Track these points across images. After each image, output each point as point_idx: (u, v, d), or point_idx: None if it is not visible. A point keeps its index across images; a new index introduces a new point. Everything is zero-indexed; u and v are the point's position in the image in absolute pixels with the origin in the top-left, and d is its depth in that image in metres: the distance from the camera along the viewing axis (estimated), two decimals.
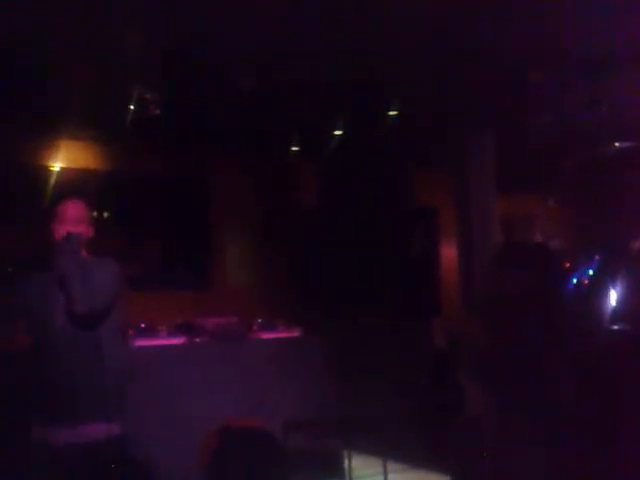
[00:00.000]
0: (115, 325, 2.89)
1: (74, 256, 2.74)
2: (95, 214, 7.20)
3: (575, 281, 3.38)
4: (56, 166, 6.91)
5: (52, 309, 2.72)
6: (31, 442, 2.70)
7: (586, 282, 3.35)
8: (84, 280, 2.68)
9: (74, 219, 2.87)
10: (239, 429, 1.86)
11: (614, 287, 3.24)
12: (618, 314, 3.21)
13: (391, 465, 4.68)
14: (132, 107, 5.72)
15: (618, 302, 3.20)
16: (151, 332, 4.50)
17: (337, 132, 6.85)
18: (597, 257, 3.33)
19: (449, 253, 8.45)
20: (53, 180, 6.86)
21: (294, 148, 7.38)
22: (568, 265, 3.58)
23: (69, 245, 2.75)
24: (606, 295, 3.25)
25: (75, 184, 6.98)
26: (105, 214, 7.32)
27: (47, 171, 6.86)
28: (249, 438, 1.77)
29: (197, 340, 4.78)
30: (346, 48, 4.86)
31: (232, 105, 5.93)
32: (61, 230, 2.81)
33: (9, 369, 3.33)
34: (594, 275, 3.33)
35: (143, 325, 4.50)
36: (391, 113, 6.22)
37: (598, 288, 3.29)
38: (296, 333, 5.40)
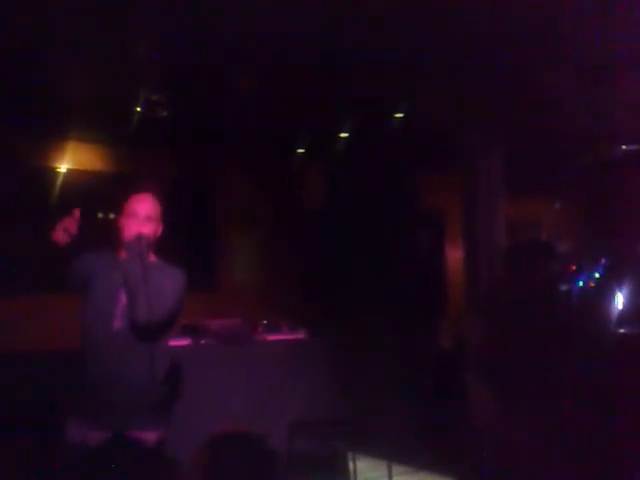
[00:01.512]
0: (169, 333, 2.75)
1: (142, 260, 2.58)
2: (102, 215, 7.32)
3: (581, 284, 3.38)
4: (63, 168, 6.93)
5: (111, 310, 2.61)
6: (70, 444, 2.61)
7: (592, 285, 3.34)
8: (150, 286, 2.53)
9: (146, 216, 2.72)
10: (230, 437, 1.85)
11: (620, 290, 3.23)
12: (624, 317, 3.20)
13: (396, 468, 4.67)
14: (139, 109, 5.74)
15: (624, 305, 3.19)
16: None
17: (343, 134, 6.85)
18: (603, 260, 3.32)
19: (455, 255, 8.44)
20: (60, 182, 6.88)
21: (300, 150, 7.38)
22: (574, 268, 3.57)
23: (138, 247, 2.61)
24: (612, 298, 3.25)
25: (81, 186, 7.00)
26: (111, 215, 7.34)
27: (54, 173, 6.87)
28: (240, 445, 1.76)
29: (202, 342, 4.78)
30: (353, 51, 4.86)
31: (238, 107, 5.94)
32: (131, 227, 2.67)
33: (54, 368, 3.31)
34: (600, 278, 3.32)
35: None
36: (398, 115, 6.22)
37: (604, 291, 3.28)
38: (301, 335, 5.39)
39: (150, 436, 2.61)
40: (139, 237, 2.63)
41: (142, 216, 2.71)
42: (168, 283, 2.68)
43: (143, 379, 2.55)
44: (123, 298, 2.61)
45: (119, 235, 2.72)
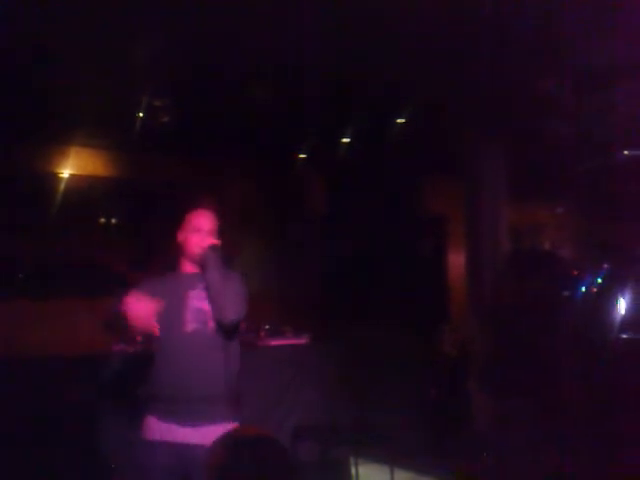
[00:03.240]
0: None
1: (220, 267, 2.83)
2: (104, 220, 7.33)
3: (584, 289, 3.37)
4: (65, 173, 6.95)
5: (183, 315, 2.80)
6: (150, 440, 2.73)
7: (595, 290, 3.34)
8: (228, 290, 2.80)
9: (210, 230, 2.95)
10: (245, 437, 1.86)
11: (623, 295, 3.23)
12: (627, 322, 3.20)
13: (398, 473, 4.66)
14: (141, 114, 5.76)
15: (627, 310, 3.19)
16: None
17: (345, 139, 6.86)
18: (606, 265, 3.32)
19: (458, 261, 8.43)
20: (62, 187, 6.90)
21: (301, 155, 7.39)
22: (577, 273, 3.57)
23: (215, 256, 2.84)
24: (615, 303, 3.24)
25: (84, 191, 7.03)
26: (114, 220, 7.36)
27: (56, 178, 6.89)
28: (255, 446, 1.76)
29: None
30: (356, 56, 4.87)
31: (240, 112, 5.95)
32: (199, 240, 2.89)
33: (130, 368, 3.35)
34: (603, 283, 3.32)
35: None
36: (399, 121, 6.23)
37: (607, 296, 3.28)
38: (304, 340, 5.39)
39: (228, 428, 2.72)
40: (214, 247, 2.87)
41: (206, 230, 2.94)
42: (237, 286, 2.91)
43: (220, 376, 2.76)
44: (194, 303, 2.83)
45: (182, 249, 2.97)
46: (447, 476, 4.96)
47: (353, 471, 4.68)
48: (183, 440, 2.69)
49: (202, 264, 2.87)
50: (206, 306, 2.82)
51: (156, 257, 7.38)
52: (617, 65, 4.96)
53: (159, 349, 2.83)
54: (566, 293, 3.50)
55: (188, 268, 2.96)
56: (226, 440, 1.91)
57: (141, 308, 2.65)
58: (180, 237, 2.99)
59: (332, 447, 4.72)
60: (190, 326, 2.79)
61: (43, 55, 4.71)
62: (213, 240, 2.90)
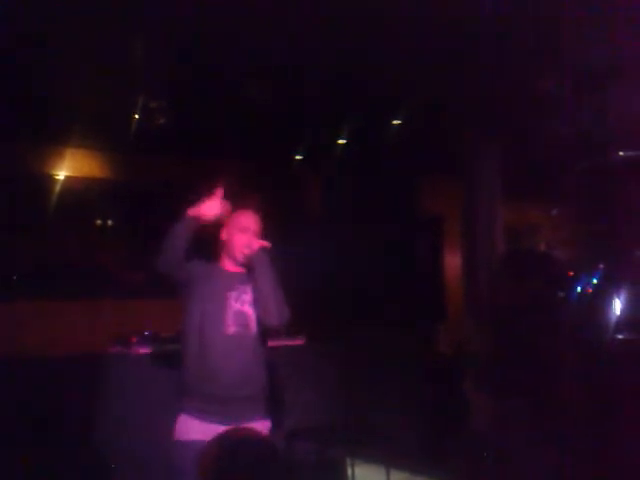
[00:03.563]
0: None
1: (269, 270, 2.87)
2: (100, 222, 7.32)
3: (579, 290, 3.38)
4: (61, 174, 6.94)
5: (223, 316, 2.82)
6: (186, 439, 2.76)
7: (590, 291, 3.34)
8: (276, 293, 2.86)
9: (255, 230, 2.98)
10: (239, 437, 1.86)
11: (618, 296, 3.24)
12: (622, 323, 3.21)
13: (394, 474, 4.66)
14: (137, 116, 5.75)
15: (622, 311, 3.20)
16: (154, 339, 4.49)
17: (341, 140, 6.86)
18: (601, 266, 3.33)
19: (454, 261, 8.44)
20: (58, 188, 6.89)
21: (298, 156, 7.39)
22: (573, 274, 3.58)
23: (265, 258, 2.88)
24: (610, 304, 3.25)
25: (80, 192, 7.02)
26: (110, 222, 7.35)
27: (52, 180, 6.88)
28: (250, 445, 1.77)
29: None
30: (352, 56, 4.87)
31: (237, 113, 5.95)
32: (244, 241, 2.91)
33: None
34: (598, 284, 3.32)
35: (147, 332, 4.50)
36: (396, 122, 6.24)
37: (602, 297, 3.29)
38: (300, 341, 5.38)
39: (265, 425, 2.87)
40: (264, 250, 2.90)
41: (253, 230, 2.97)
42: (281, 289, 2.96)
43: (256, 376, 2.84)
44: (234, 305, 2.85)
45: (224, 248, 2.99)
46: (443, 476, 4.97)
47: (349, 471, 4.69)
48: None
49: (251, 266, 2.88)
50: (247, 309, 2.86)
51: (152, 258, 7.41)
52: (615, 65, 4.97)
53: (196, 349, 2.82)
54: (562, 294, 3.50)
55: (229, 267, 2.97)
56: (221, 440, 1.91)
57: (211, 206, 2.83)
58: (224, 235, 3.00)
59: (328, 447, 4.72)
60: (230, 329, 2.81)
61: (40, 56, 4.71)
62: (262, 242, 2.91)
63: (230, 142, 6.89)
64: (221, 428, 2.61)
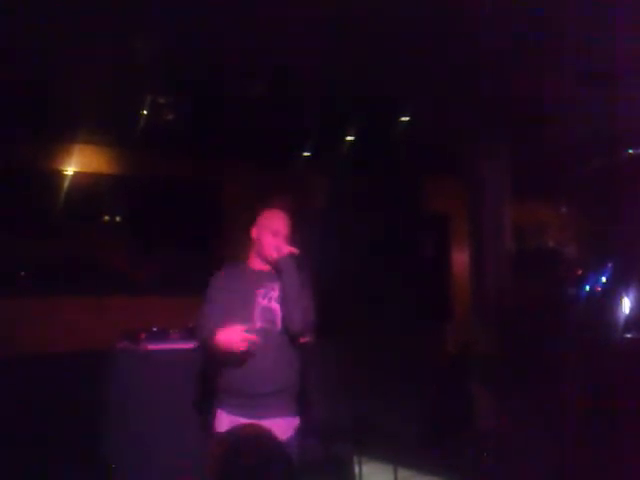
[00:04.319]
0: None
1: (296, 276, 2.91)
2: (108, 218, 7.33)
3: (588, 288, 3.37)
4: (70, 170, 6.95)
5: (251, 313, 2.87)
6: (216, 434, 2.80)
7: (599, 289, 3.33)
8: (301, 299, 2.90)
9: (286, 233, 3.02)
10: (247, 434, 1.86)
11: (627, 295, 3.22)
12: (631, 321, 3.19)
13: (402, 472, 4.66)
14: (145, 112, 5.76)
15: (631, 309, 3.19)
16: (163, 336, 4.50)
17: (348, 138, 6.85)
18: (610, 264, 3.31)
19: (461, 259, 8.43)
20: (66, 184, 6.90)
21: (306, 153, 7.39)
22: (581, 272, 3.57)
23: (293, 262, 2.93)
24: (619, 302, 3.24)
25: (88, 188, 7.03)
26: (117, 218, 7.36)
27: (60, 175, 6.90)
28: (257, 443, 1.77)
29: None
30: (359, 56, 4.87)
31: (244, 109, 5.95)
32: (273, 242, 2.96)
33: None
34: (607, 282, 3.31)
35: (155, 329, 4.50)
36: (403, 119, 6.23)
37: (611, 295, 3.28)
38: (306, 339, 5.38)
39: (293, 422, 2.93)
40: (292, 255, 2.93)
41: (284, 233, 3.01)
42: (308, 294, 2.98)
43: (286, 372, 2.90)
44: (262, 302, 2.89)
45: (254, 246, 3.05)
46: (449, 474, 4.96)
47: (357, 470, 4.68)
48: None
49: (278, 269, 2.93)
50: (274, 305, 2.90)
51: (159, 255, 7.42)
52: (620, 65, 4.96)
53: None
54: (570, 292, 3.49)
55: (257, 265, 3.03)
56: (227, 438, 1.91)
57: (232, 337, 2.73)
58: (254, 234, 3.05)
59: (335, 446, 4.72)
60: (258, 324, 2.85)
61: (49, 52, 4.72)
62: (291, 247, 2.96)
63: (237, 139, 6.90)
64: (250, 422, 2.69)
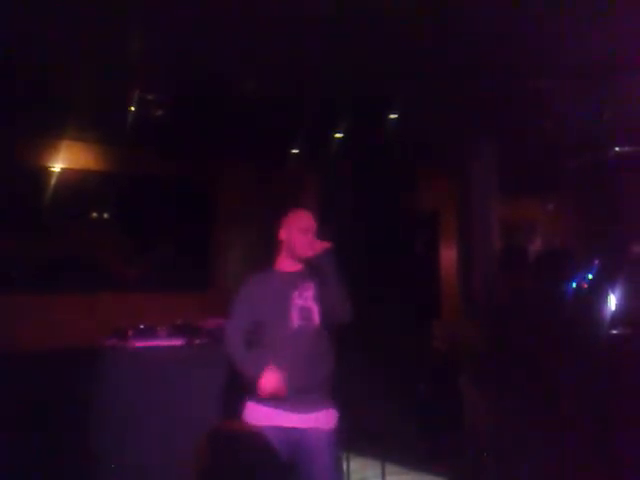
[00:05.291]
0: None
1: (334, 270, 2.98)
2: (95, 215, 7.31)
3: (575, 285, 3.39)
4: (57, 167, 6.91)
5: (288, 312, 2.97)
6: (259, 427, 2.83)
7: (585, 286, 3.35)
8: (340, 292, 2.99)
9: (314, 231, 3.08)
10: (231, 432, 1.87)
11: (613, 291, 3.24)
12: (617, 318, 3.22)
13: (389, 468, 4.68)
14: (134, 108, 5.74)
15: (617, 306, 3.21)
16: (150, 333, 4.49)
17: (337, 135, 6.85)
18: (596, 261, 3.33)
19: (449, 256, 8.45)
20: (54, 181, 6.87)
21: (295, 150, 7.38)
22: (568, 269, 3.59)
23: (329, 258, 2.99)
24: (605, 299, 3.26)
25: (76, 185, 7.00)
26: (105, 215, 7.34)
27: (48, 172, 6.86)
28: (241, 441, 1.77)
29: (196, 341, 4.77)
30: (348, 53, 4.87)
31: (233, 107, 5.94)
32: (306, 241, 3.02)
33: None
34: (593, 279, 3.33)
35: (142, 326, 4.50)
36: (392, 116, 6.23)
37: (597, 292, 3.30)
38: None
39: (332, 414, 3.01)
40: (328, 250, 2.99)
41: (312, 231, 3.08)
42: (344, 288, 3.06)
43: (322, 367, 2.98)
44: (298, 302, 2.99)
45: (284, 246, 3.11)
46: (437, 471, 4.98)
47: (344, 466, 4.69)
48: (290, 425, 2.87)
49: (315, 265, 3.00)
50: (310, 304, 2.99)
51: (147, 252, 7.40)
52: (610, 63, 4.98)
53: (265, 343, 2.97)
54: (557, 289, 3.51)
55: (287, 267, 3.11)
56: (212, 435, 1.91)
57: (272, 382, 2.85)
58: (283, 235, 3.11)
59: None
60: (295, 323, 2.96)
61: (36, 48, 4.70)
62: (324, 243, 3.00)
63: (226, 136, 6.88)
64: (290, 416, 2.88)
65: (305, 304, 2.99)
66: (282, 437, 2.80)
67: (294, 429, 2.87)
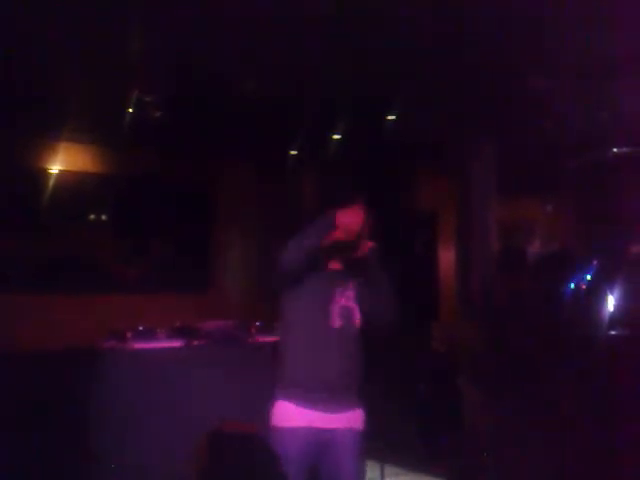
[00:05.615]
0: None
1: (381, 269, 3.04)
2: (95, 216, 7.30)
3: (573, 286, 3.39)
4: (57, 169, 6.91)
5: (329, 311, 2.96)
6: (286, 427, 2.84)
7: (584, 287, 3.35)
8: (388, 290, 3.07)
9: (364, 229, 3.05)
10: (231, 433, 1.86)
11: (612, 292, 3.24)
12: (615, 319, 3.22)
13: (388, 469, 4.68)
14: (132, 110, 5.73)
15: (615, 307, 3.21)
16: (149, 334, 4.50)
17: (335, 136, 6.85)
18: (595, 262, 3.33)
19: (448, 257, 8.44)
20: (54, 182, 6.87)
21: (293, 152, 7.38)
22: (567, 270, 3.58)
23: (377, 257, 3.03)
24: (604, 300, 3.26)
25: (76, 185, 7.00)
26: (103, 217, 7.33)
27: (48, 173, 6.86)
28: (241, 442, 1.77)
29: (195, 343, 4.78)
30: (348, 53, 4.86)
31: (233, 107, 5.94)
32: (353, 237, 3.00)
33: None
34: (592, 280, 3.33)
35: (141, 327, 4.50)
36: (391, 117, 6.23)
37: (596, 293, 3.30)
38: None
39: (361, 414, 3.04)
40: (375, 249, 3.02)
41: (362, 230, 3.04)
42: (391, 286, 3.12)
43: (356, 367, 3.00)
44: (340, 301, 2.99)
45: (332, 243, 3.05)
46: (436, 471, 4.98)
47: None
48: (322, 426, 2.86)
49: (364, 264, 3.01)
50: (351, 304, 3.00)
51: (146, 254, 7.40)
52: (611, 63, 4.98)
53: (302, 341, 2.96)
54: (556, 290, 3.51)
55: (333, 265, 3.09)
56: (212, 435, 1.91)
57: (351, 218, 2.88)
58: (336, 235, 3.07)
59: None
60: (336, 322, 2.95)
61: (33, 50, 4.69)
62: (370, 242, 3.01)
63: (226, 136, 6.88)
64: (324, 415, 2.87)
65: (347, 304, 3.01)
66: (311, 438, 2.83)
67: (325, 430, 2.87)
